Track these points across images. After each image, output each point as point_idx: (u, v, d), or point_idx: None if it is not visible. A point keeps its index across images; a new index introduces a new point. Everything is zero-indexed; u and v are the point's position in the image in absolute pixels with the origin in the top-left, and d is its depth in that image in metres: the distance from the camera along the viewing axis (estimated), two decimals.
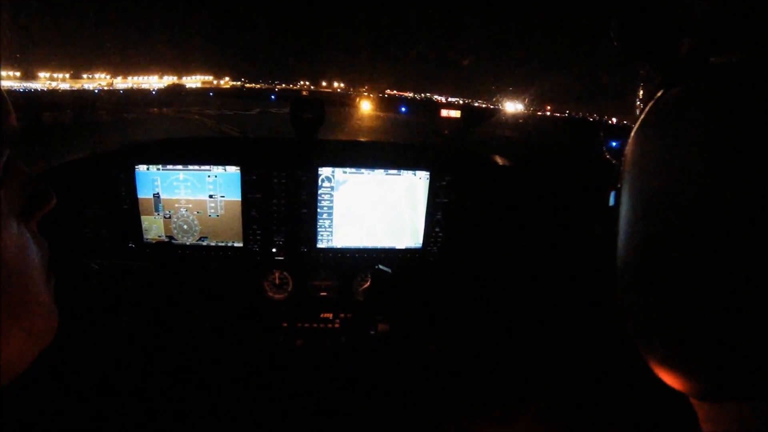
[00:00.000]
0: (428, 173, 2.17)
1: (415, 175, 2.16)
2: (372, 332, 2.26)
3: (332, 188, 2.14)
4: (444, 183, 2.18)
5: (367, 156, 2.19)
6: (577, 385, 2.02)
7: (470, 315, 2.30)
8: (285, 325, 2.25)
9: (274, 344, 2.25)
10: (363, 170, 2.13)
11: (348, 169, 2.13)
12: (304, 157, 2.13)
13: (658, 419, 1.65)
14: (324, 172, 2.12)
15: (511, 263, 2.30)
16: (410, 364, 2.26)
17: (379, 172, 2.14)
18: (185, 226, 2.14)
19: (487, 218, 2.26)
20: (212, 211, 2.13)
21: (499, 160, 2.40)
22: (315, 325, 2.26)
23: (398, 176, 2.16)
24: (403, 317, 2.28)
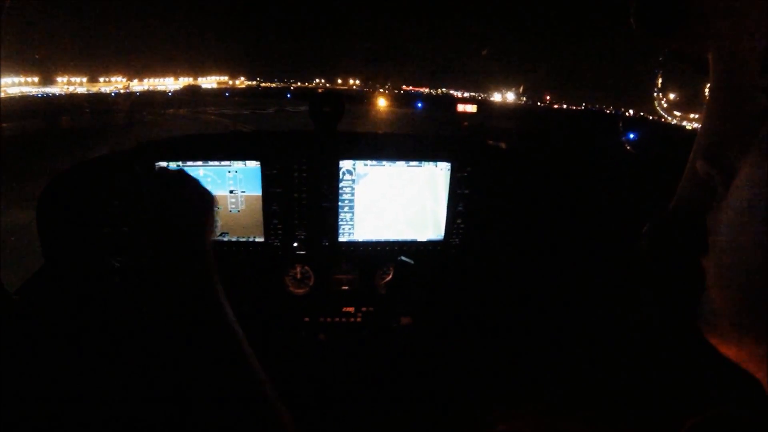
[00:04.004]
0: (449, 164, 2.14)
1: (436, 166, 2.14)
2: (394, 326, 2.25)
3: (353, 181, 2.12)
4: (465, 174, 2.16)
5: (387, 148, 2.17)
6: (599, 381, 2.00)
7: (493, 308, 2.28)
8: (307, 319, 2.24)
9: (297, 339, 2.24)
10: (384, 162, 2.11)
11: (369, 162, 2.11)
12: (324, 151, 2.11)
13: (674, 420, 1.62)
14: (345, 164, 2.10)
15: (533, 255, 2.28)
16: (433, 357, 2.24)
17: (400, 164, 2.12)
18: None
19: (509, 209, 2.24)
20: (233, 206, 2.12)
21: (520, 150, 2.38)
22: (337, 320, 2.25)
23: (419, 168, 2.14)
24: (425, 310, 2.26)
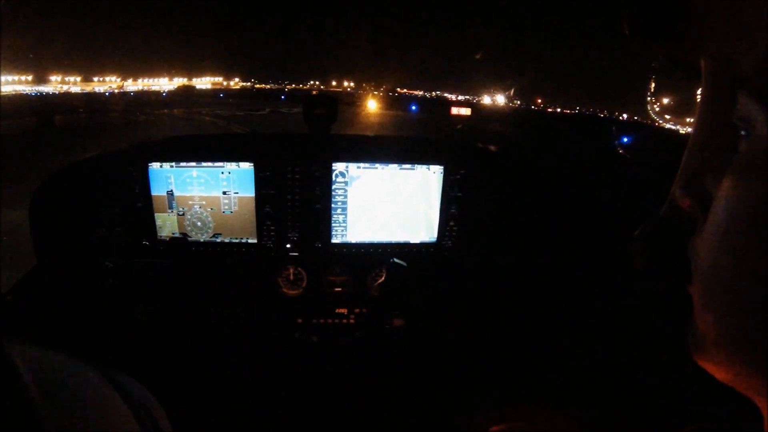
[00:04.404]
0: (442, 167, 2.15)
1: (429, 169, 2.15)
2: (387, 327, 2.25)
3: (346, 183, 2.13)
4: (458, 177, 2.17)
5: (380, 150, 2.18)
6: (596, 381, 2.01)
7: (485, 309, 2.28)
8: (300, 321, 2.24)
9: (289, 341, 2.24)
10: (377, 165, 2.12)
11: (362, 164, 2.12)
12: (317, 153, 2.12)
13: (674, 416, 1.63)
14: (338, 167, 2.11)
15: (526, 257, 2.29)
16: (426, 358, 2.25)
17: (393, 167, 2.13)
18: (199, 223, 2.14)
19: (501, 212, 2.25)
20: (226, 207, 2.13)
21: (513, 153, 2.39)
22: (330, 321, 2.26)
23: (412, 170, 2.14)
24: (418, 312, 2.27)
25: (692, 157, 0.54)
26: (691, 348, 0.53)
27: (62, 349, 0.54)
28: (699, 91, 0.57)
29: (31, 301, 2.00)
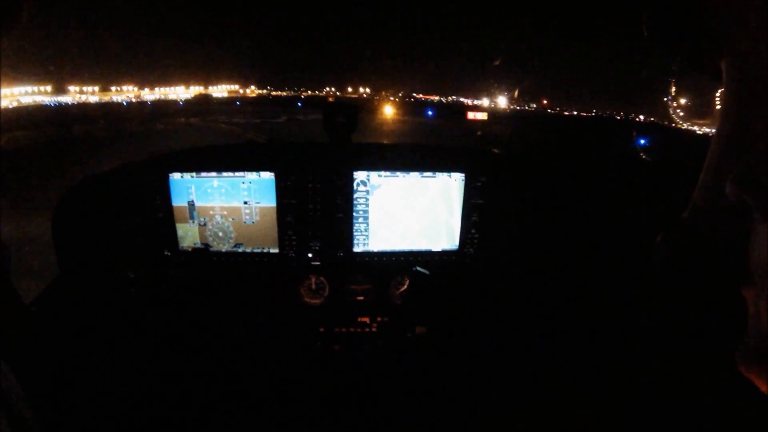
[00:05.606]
0: (463, 175, 2.14)
1: (450, 176, 2.14)
2: (410, 335, 2.24)
3: (368, 192, 2.12)
4: (479, 184, 2.16)
5: (401, 159, 2.17)
6: (616, 390, 1.98)
7: (508, 317, 2.26)
8: (322, 330, 2.24)
9: (312, 350, 2.24)
10: (398, 173, 2.11)
11: (383, 173, 2.11)
12: (338, 162, 2.11)
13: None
14: (359, 176, 2.10)
15: (547, 264, 2.26)
16: (448, 366, 2.23)
17: (414, 175, 2.12)
18: (220, 233, 2.14)
19: (523, 219, 2.23)
20: (247, 217, 2.13)
21: (534, 160, 2.37)
22: (352, 330, 2.25)
23: (433, 178, 2.13)
24: (440, 320, 2.25)
25: (726, 139, 0.51)
26: (741, 358, 0.49)
27: (85, 359, 0.54)
28: (718, 93, 0.55)
29: (55, 311, 2.00)
